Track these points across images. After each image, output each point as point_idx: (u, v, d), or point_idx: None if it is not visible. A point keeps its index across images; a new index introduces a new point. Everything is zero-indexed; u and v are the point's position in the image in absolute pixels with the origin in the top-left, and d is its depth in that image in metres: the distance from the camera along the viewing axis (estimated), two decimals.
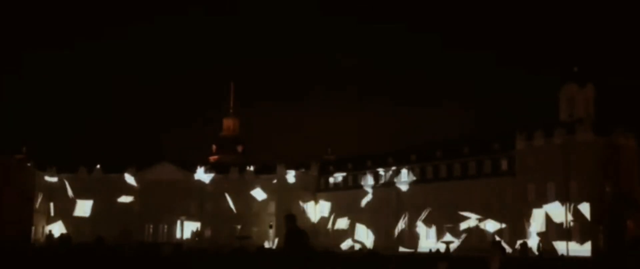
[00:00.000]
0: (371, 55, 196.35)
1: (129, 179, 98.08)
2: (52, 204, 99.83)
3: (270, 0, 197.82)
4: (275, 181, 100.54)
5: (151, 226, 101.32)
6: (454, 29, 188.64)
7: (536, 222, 70.04)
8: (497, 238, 61.27)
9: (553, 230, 68.99)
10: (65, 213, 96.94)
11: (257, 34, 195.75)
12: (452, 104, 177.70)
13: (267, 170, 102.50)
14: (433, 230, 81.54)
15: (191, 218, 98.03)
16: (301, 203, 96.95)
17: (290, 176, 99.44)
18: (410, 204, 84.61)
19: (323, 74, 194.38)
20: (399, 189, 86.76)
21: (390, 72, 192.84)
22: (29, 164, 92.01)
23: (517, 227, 72.15)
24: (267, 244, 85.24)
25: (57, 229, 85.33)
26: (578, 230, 67.68)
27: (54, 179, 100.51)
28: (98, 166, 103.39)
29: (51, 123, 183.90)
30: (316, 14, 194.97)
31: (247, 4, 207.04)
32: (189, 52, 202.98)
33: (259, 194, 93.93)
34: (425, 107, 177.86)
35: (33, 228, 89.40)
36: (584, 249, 64.63)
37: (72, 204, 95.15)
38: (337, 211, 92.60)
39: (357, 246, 78.99)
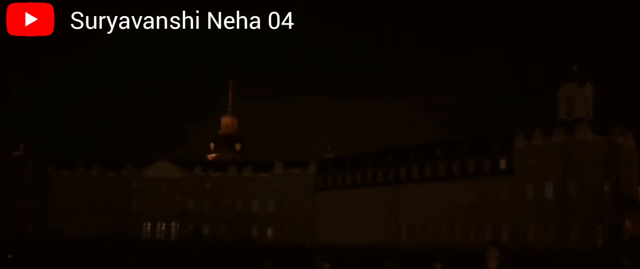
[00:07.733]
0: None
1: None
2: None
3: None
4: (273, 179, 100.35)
5: (149, 224, 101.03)
6: (453, 30, 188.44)
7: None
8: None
9: (552, 228, 68.92)
10: None
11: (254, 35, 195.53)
12: (451, 104, 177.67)
13: (265, 168, 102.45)
14: (432, 228, 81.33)
15: (189, 216, 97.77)
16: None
17: (289, 174, 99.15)
18: (409, 202, 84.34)
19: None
20: (398, 188, 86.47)
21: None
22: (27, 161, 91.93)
23: (515, 225, 72.02)
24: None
25: None
26: (577, 229, 67.52)
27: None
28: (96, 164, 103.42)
29: (50, 120, 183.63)
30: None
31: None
32: (189, 51, 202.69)
33: None
34: (423, 108, 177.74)
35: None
36: (582, 248, 64.35)
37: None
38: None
39: None
